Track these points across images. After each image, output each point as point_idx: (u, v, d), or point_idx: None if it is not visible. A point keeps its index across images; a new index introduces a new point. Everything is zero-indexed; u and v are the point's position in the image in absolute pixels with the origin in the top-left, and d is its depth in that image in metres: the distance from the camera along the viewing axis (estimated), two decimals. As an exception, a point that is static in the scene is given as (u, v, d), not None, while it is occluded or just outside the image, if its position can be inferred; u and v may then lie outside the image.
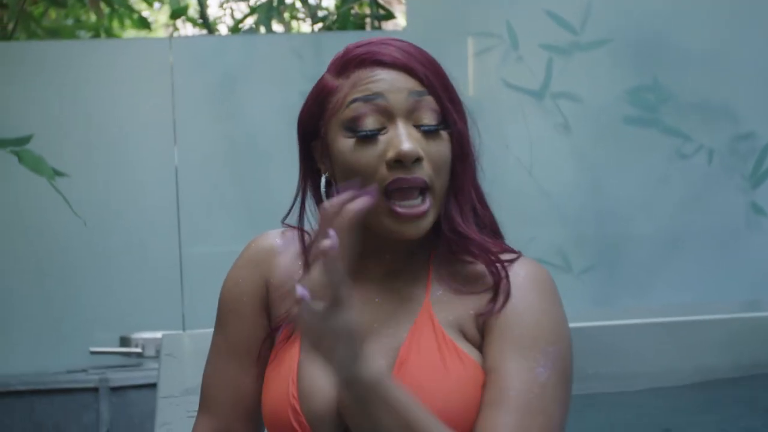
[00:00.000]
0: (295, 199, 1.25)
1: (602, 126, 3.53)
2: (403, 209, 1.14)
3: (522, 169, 3.48)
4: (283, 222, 1.27)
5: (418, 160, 1.14)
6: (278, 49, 3.48)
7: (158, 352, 3.00)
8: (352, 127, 1.16)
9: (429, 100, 1.16)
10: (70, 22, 4.56)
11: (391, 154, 1.13)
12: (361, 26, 3.90)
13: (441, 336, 1.17)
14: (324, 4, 4.16)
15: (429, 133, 1.16)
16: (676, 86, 3.53)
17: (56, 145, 3.28)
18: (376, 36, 3.71)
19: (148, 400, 3.05)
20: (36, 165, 3.02)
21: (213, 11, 4.61)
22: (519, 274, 1.19)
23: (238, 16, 4.30)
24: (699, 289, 3.53)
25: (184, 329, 3.34)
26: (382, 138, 1.15)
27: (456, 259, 1.21)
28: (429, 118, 1.16)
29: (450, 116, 1.18)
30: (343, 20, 3.84)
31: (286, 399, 1.18)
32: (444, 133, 1.17)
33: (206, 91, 3.44)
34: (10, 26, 3.81)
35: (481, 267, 1.20)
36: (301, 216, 1.25)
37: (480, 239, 1.19)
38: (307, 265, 1.25)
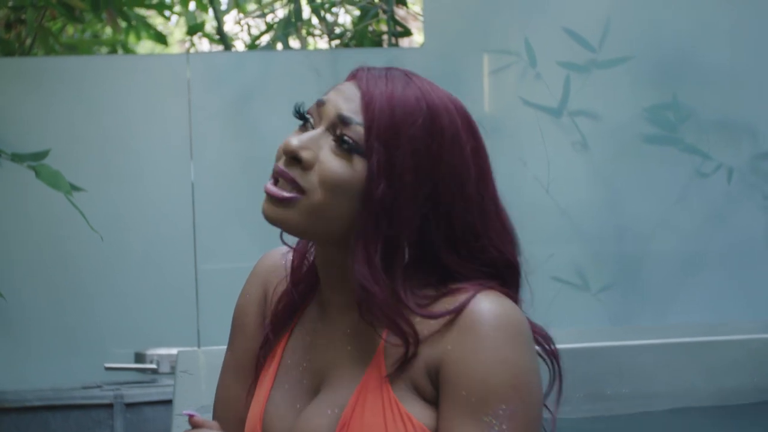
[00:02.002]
0: None
1: (621, 144, 3.51)
2: (272, 187, 1.14)
3: (539, 187, 3.46)
4: (281, 239, 1.27)
5: (297, 160, 1.12)
6: (295, 66, 3.48)
7: (173, 368, 2.99)
8: (297, 114, 1.19)
9: (356, 129, 1.11)
10: (87, 36, 4.58)
11: (281, 144, 1.15)
12: (379, 43, 3.90)
13: (387, 396, 1.10)
14: (341, 21, 4.16)
15: (340, 150, 1.11)
16: (696, 104, 3.51)
17: (73, 161, 3.29)
18: (391, 52, 3.68)
19: (163, 416, 3.04)
20: (53, 180, 3.02)
21: (229, 27, 4.63)
22: (475, 314, 1.08)
23: (255, 32, 4.31)
24: (719, 308, 3.50)
25: (199, 346, 3.33)
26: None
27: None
28: (345, 137, 1.11)
29: (369, 150, 1.10)
30: (360, 37, 3.84)
31: (253, 425, 1.20)
32: (361, 163, 1.10)
33: (223, 107, 3.45)
34: (28, 42, 3.83)
35: (440, 306, 1.11)
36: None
37: (380, 293, 1.09)
38: (294, 284, 1.25)
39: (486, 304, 1.09)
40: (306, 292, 1.24)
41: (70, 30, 4.42)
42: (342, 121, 1.12)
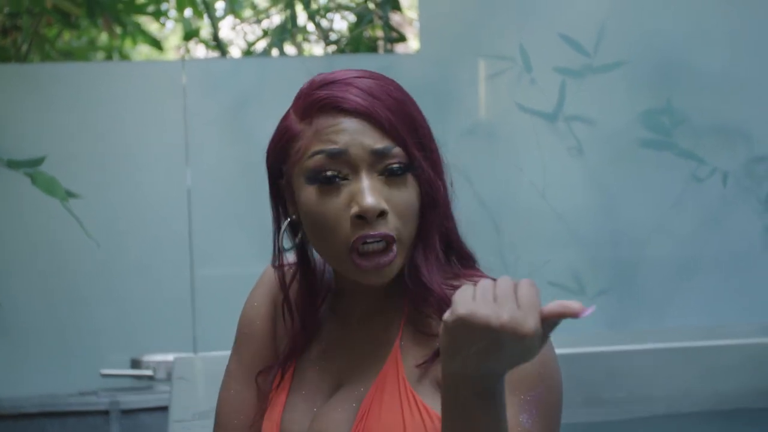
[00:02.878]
0: (275, 239, 1.25)
1: (616, 149, 3.52)
2: (365, 262, 1.11)
3: (535, 192, 3.47)
4: (273, 265, 1.27)
5: (382, 214, 1.10)
6: (291, 72, 3.48)
7: (169, 374, 2.99)
8: (314, 176, 1.13)
9: (394, 153, 1.11)
10: (83, 42, 4.58)
11: (354, 210, 1.10)
12: (374, 49, 3.91)
13: (404, 389, 1.13)
14: (336, 27, 4.17)
15: (393, 179, 1.11)
16: (691, 109, 3.52)
17: (69, 167, 3.29)
18: (387, 58, 3.68)
19: (160, 422, 3.04)
20: (49, 187, 3.02)
21: (225, 33, 4.63)
22: None
23: (251, 38, 4.31)
24: (715, 312, 3.51)
25: (195, 352, 3.33)
26: (345, 188, 1.11)
27: (425, 306, 1.17)
28: (393, 166, 1.11)
29: (416, 162, 1.12)
30: (355, 43, 3.85)
31: (270, 430, 1.20)
32: (411, 178, 1.12)
33: (219, 113, 3.45)
34: (24, 48, 3.83)
35: None
36: (279, 252, 1.25)
37: (440, 291, 1.13)
38: (286, 303, 1.25)
39: None
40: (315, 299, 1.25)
41: (66, 36, 4.43)
42: (380, 154, 1.11)
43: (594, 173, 3.52)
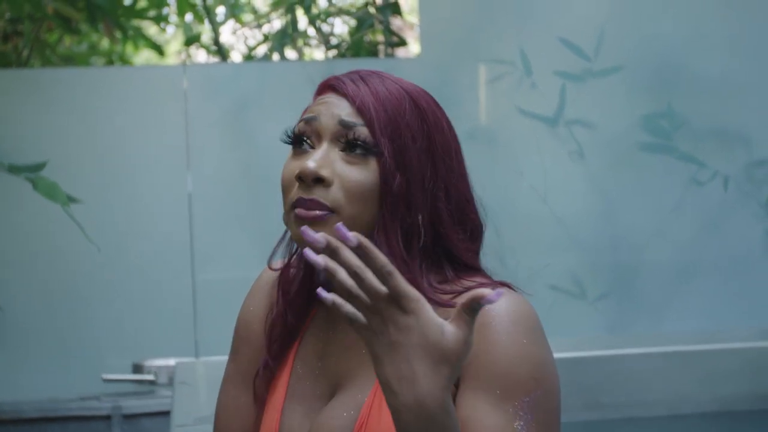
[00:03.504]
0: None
1: (616, 153, 3.52)
2: (302, 211, 1.12)
3: (536, 197, 3.47)
4: (269, 265, 1.27)
5: (319, 180, 1.12)
6: (292, 76, 3.48)
7: (171, 379, 2.99)
8: (292, 139, 1.17)
9: (360, 131, 1.14)
10: (84, 47, 4.59)
11: (296, 171, 1.13)
12: (374, 53, 3.91)
13: None
14: (337, 31, 4.18)
15: (354, 158, 1.14)
16: (691, 112, 3.52)
17: (70, 172, 3.29)
18: (388, 62, 3.69)
19: (161, 427, 3.04)
20: (50, 192, 3.02)
21: (226, 38, 4.64)
22: (492, 310, 1.10)
23: (252, 43, 4.32)
24: (715, 316, 3.51)
25: (197, 356, 3.33)
26: (308, 154, 1.15)
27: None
28: (355, 141, 1.14)
29: (379, 148, 1.13)
30: (356, 47, 3.85)
31: None
32: (373, 163, 1.14)
33: (220, 118, 3.45)
34: (25, 53, 3.83)
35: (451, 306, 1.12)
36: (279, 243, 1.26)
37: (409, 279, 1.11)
38: (282, 300, 1.25)
39: (510, 300, 1.12)
40: (312, 300, 1.25)
41: (67, 41, 4.43)
42: (345, 126, 1.14)
43: (594, 177, 3.52)
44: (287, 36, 3.87)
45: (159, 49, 4.34)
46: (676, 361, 2.60)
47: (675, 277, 3.55)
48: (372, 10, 3.87)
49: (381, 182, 1.13)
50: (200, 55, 4.76)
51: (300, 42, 4.15)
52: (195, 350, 3.37)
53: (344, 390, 1.17)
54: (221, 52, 4.36)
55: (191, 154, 3.42)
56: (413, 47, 4.12)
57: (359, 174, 1.13)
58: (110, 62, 4.56)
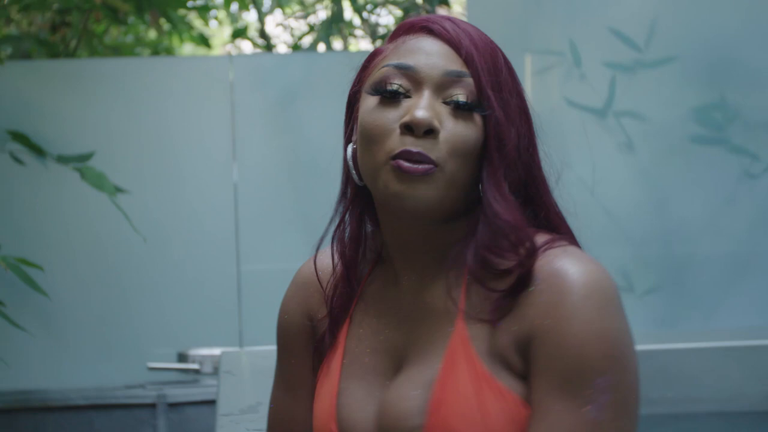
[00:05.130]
0: (338, 206, 1.18)
1: (667, 145, 3.47)
2: (406, 163, 1.03)
3: (585, 189, 3.43)
4: (317, 249, 1.22)
5: (431, 131, 1.04)
6: (337, 67, 3.45)
7: (215, 369, 3.00)
8: (377, 87, 1.08)
9: (467, 82, 1.07)
10: (129, 38, 4.62)
11: (405, 118, 1.04)
12: (421, 43, 3.89)
13: (477, 369, 1.04)
14: (383, 21, 4.16)
15: (459, 112, 1.06)
16: (744, 104, 3.45)
17: (117, 162, 3.31)
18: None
19: (205, 416, 3.05)
20: (98, 182, 3.04)
21: (271, 28, 4.64)
22: (566, 282, 1.02)
23: (297, 33, 4.32)
24: (767, 312, 3.45)
25: (241, 346, 3.34)
26: (405, 103, 1.07)
27: (492, 272, 1.07)
28: (461, 96, 1.06)
29: (487, 102, 1.06)
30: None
31: (326, 426, 1.14)
32: (477, 118, 1.07)
33: (266, 109, 3.45)
34: (73, 44, 3.86)
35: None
36: (340, 225, 1.18)
37: (519, 220, 1.06)
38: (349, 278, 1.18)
39: (574, 270, 1.03)
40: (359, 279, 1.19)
41: (114, 32, 4.46)
42: (453, 77, 1.07)
43: (644, 169, 3.47)
44: (333, 26, 3.86)
45: (206, 41, 4.35)
46: (726, 357, 2.56)
47: (726, 272, 3.49)
48: (418, 0, 3.85)
49: (491, 137, 1.07)
50: (246, 46, 4.76)
51: (346, 32, 4.14)
52: (239, 340, 3.38)
53: (410, 366, 1.10)
54: (267, 42, 4.36)
55: (237, 145, 3.43)
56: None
57: (465, 129, 1.06)
58: (156, 53, 4.58)
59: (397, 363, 1.13)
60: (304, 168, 3.42)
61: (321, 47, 3.90)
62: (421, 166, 1.03)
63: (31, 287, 2.82)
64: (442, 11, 4.06)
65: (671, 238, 3.48)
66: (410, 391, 1.08)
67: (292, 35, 4.38)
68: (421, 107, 1.04)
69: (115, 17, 3.71)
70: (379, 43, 3.95)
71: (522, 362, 1.03)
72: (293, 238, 3.32)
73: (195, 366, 3.20)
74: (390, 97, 1.08)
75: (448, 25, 1.09)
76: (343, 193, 1.18)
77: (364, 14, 3.96)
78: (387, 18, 4.18)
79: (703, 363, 2.55)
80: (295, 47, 4.15)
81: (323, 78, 3.45)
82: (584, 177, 3.43)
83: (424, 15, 1.13)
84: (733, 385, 2.53)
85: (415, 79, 1.08)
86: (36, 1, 3.53)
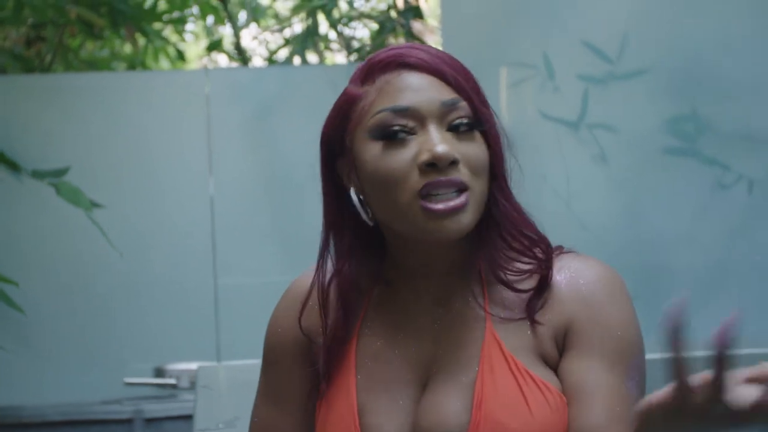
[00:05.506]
0: (324, 235, 1.18)
1: (640, 156, 3.50)
2: (439, 204, 1.06)
3: (559, 201, 3.45)
4: (318, 262, 1.20)
5: (453, 162, 1.06)
6: (313, 80, 3.49)
7: (193, 383, 2.99)
8: (380, 134, 1.09)
9: (462, 106, 1.10)
10: (105, 53, 4.61)
11: (424, 157, 1.06)
12: (396, 57, 3.90)
13: (514, 366, 1.09)
14: (359, 35, 4.18)
15: (463, 135, 1.09)
16: (715, 115, 3.49)
17: (93, 177, 3.31)
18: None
19: (183, 431, 3.04)
20: (73, 197, 3.03)
21: (247, 42, 4.64)
22: (587, 281, 1.13)
23: (273, 47, 4.33)
24: (741, 320, 3.47)
25: (218, 360, 3.33)
26: (413, 141, 1.08)
27: (515, 275, 1.13)
28: (464, 119, 1.09)
29: (484, 118, 1.11)
30: (377, 51, 3.85)
31: None
32: (478, 135, 1.10)
33: (242, 122, 3.46)
34: (48, 59, 3.85)
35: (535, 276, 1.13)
36: (324, 249, 1.18)
37: (532, 226, 1.15)
38: (305, 306, 1.19)
39: (596, 268, 1.15)
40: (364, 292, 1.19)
41: (89, 47, 4.45)
42: (449, 106, 1.09)
43: (618, 181, 3.50)
44: (309, 40, 3.87)
45: (181, 55, 4.35)
46: (701, 367, 2.57)
47: (700, 282, 3.52)
48: (393, 14, 3.87)
49: (495, 152, 1.12)
50: (222, 60, 4.77)
51: (321, 46, 4.15)
52: (217, 354, 3.37)
53: (443, 373, 1.12)
54: (243, 56, 4.37)
55: (213, 159, 3.43)
56: (435, 51, 4.11)
57: (475, 149, 1.10)
58: (132, 67, 4.58)
59: (422, 374, 1.14)
60: (281, 181, 3.42)
61: (296, 60, 3.91)
62: (457, 200, 1.07)
63: (5, 303, 2.81)
64: (417, 25, 4.08)
65: (645, 249, 3.51)
66: (450, 394, 1.10)
67: (268, 49, 4.39)
68: (438, 142, 1.07)
69: (91, 32, 3.72)
70: (354, 56, 3.97)
71: (556, 354, 1.12)
72: (270, 251, 3.32)
73: (172, 381, 3.19)
74: (396, 139, 1.09)
75: (423, 55, 1.12)
76: (339, 233, 1.17)
77: (340, 28, 3.98)
78: (362, 31, 4.20)
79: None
80: (271, 61, 4.16)
81: (299, 91, 3.46)
82: (559, 189, 3.46)
83: (392, 48, 1.14)
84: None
85: (416, 117, 1.09)
86: (10, 15, 3.53)
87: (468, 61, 3.81)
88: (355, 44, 4.08)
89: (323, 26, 3.93)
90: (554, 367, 1.11)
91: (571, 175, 3.46)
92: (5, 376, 3.29)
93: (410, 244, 1.13)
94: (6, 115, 3.34)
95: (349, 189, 1.14)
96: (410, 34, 3.84)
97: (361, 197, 1.13)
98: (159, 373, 3.23)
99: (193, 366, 3.10)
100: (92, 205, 3.07)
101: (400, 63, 1.11)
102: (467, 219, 1.08)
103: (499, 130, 1.14)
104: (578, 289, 1.13)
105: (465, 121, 1.09)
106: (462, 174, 1.07)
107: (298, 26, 4.18)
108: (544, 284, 1.13)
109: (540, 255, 1.14)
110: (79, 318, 3.34)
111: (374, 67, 1.13)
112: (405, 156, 1.08)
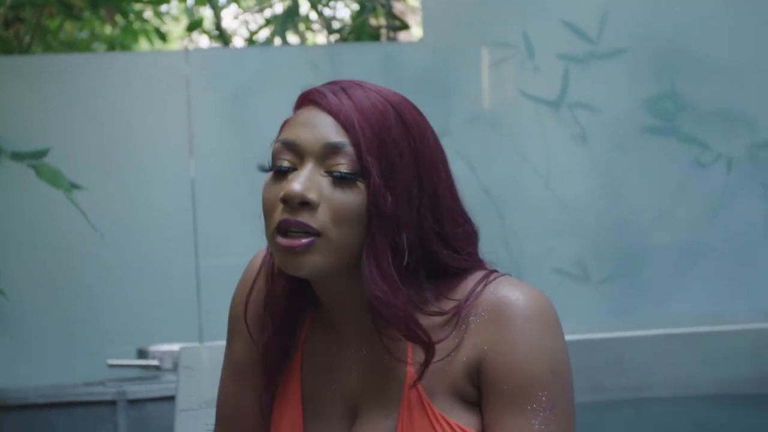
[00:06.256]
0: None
1: (619, 135, 3.51)
2: (284, 240, 1.09)
3: (539, 180, 3.47)
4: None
5: (306, 203, 1.08)
6: (294, 61, 3.48)
7: (176, 364, 2.99)
8: (271, 163, 1.13)
9: (347, 151, 1.09)
10: (84, 35, 4.58)
11: (281, 193, 1.09)
12: (377, 37, 3.90)
13: (432, 414, 1.11)
14: (339, 15, 4.17)
15: (338, 181, 1.09)
16: (694, 95, 3.51)
17: (73, 159, 3.29)
18: (390, 46, 3.67)
19: (166, 412, 3.05)
20: (53, 178, 3.02)
21: (228, 22, 4.62)
22: (508, 306, 1.10)
23: (253, 27, 4.31)
24: (718, 299, 3.51)
25: (201, 341, 3.34)
26: (290, 177, 1.11)
27: (429, 312, 1.13)
28: (344, 168, 1.09)
29: (367, 169, 1.09)
30: (358, 32, 3.84)
31: None
32: (361, 186, 1.09)
33: (222, 103, 3.45)
34: (27, 40, 3.83)
35: (446, 303, 1.13)
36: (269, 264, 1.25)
37: (403, 310, 1.10)
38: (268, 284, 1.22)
39: (514, 296, 1.11)
40: (302, 306, 1.23)
41: (68, 28, 4.42)
42: (332, 148, 1.10)
43: (598, 160, 3.52)
44: (289, 20, 3.86)
45: (161, 36, 4.33)
46: (679, 344, 2.60)
47: (678, 260, 3.55)
48: (374, -7, 3.86)
49: (369, 204, 1.09)
50: (202, 41, 4.75)
51: (302, 26, 4.14)
52: (199, 335, 3.38)
53: (367, 412, 1.16)
54: (223, 37, 4.35)
55: (194, 140, 3.42)
56: (415, 31, 4.11)
57: (346, 197, 1.09)
58: (112, 49, 4.55)
59: (351, 406, 1.18)
60: (262, 162, 3.42)
61: (277, 41, 3.90)
62: (299, 241, 1.08)
63: (-13, 286, 2.80)
64: (398, 5, 4.08)
65: (624, 228, 3.53)
66: None
67: (248, 29, 4.37)
68: (297, 181, 1.09)
69: (70, 12, 3.69)
70: (335, 37, 3.96)
71: (475, 390, 1.12)
72: (251, 232, 3.30)
73: (155, 362, 3.19)
74: (280, 172, 1.12)
75: (332, 93, 1.12)
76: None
77: (320, 8, 3.97)
78: (343, 12, 4.19)
79: (656, 350, 2.59)
80: (251, 41, 4.14)
81: (279, 72, 3.45)
82: (539, 168, 3.47)
83: (325, 84, 1.15)
84: (684, 370, 2.57)
85: (299, 153, 1.11)
86: (-12, -3, 3.50)
87: (448, 41, 3.82)
88: (336, 25, 4.07)
89: (304, 6, 3.92)
90: (475, 402, 1.12)
91: (551, 155, 3.48)
92: (-13, 358, 3.29)
93: None
94: (-16, 97, 3.32)
95: None
96: (391, 15, 3.83)
97: None
98: (142, 354, 3.23)
99: (175, 347, 3.11)
100: (72, 187, 3.06)
101: (310, 98, 1.14)
102: (310, 262, 1.09)
103: (386, 183, 1.10)
104: (494, 321, 1.11)
105: (341, 170, 1.09)
106: (316, 218, 1.08)
107: (278, 6, 4.17)
108: (428, 354, 1.10)
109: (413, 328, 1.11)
110: (61, 300, 3.34)
111: (300, 99, 1.16)
112: (278, 189, 1.11)
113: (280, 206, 1.10)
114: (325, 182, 1.10)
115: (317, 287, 1.17)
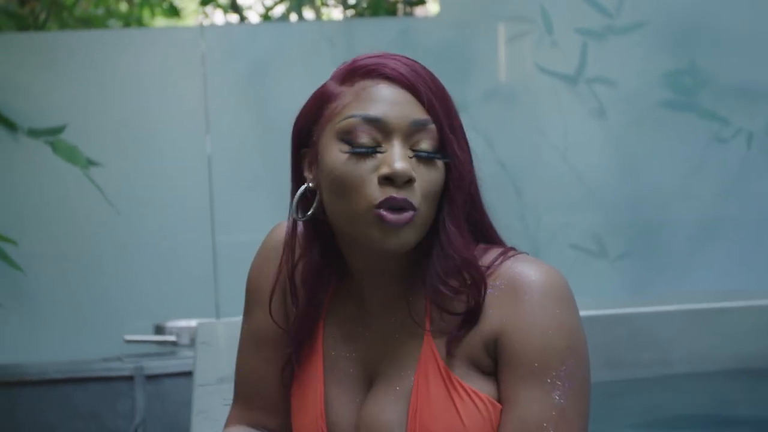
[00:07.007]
0: (290, 208, 1.22)
1: (638, 110, 3.49)
2: (391, 215, 1.09)
3: (557, 155, 3.45)
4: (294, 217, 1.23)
5: (410, 181, 1.10)
6: (310, 36, 3.47)
7: (192, 340, 3.01)
8: (347, 139, 1.12)
9: (431, 129, 1.12)
10: (100, 11, 4.58)
11: (384, 170, 1.09)
12: (393, 12, 3.88)
13: (447, 377, 1.14)
14: (355, -10, 4.14)
15: (424, 160, 1.12)
16: (714, 69, 3.48)
17: (89, 135, 3.30)
18: (406, 21, 3.66)
19: (183, 388, 3.06)
20: (70, 155, 3.03)
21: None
22: (523, 283, 1.13)
23: (269, 3, 4.29)
24: (736, 275, 3.49)
25: (217, 317, 3.35)
26: (377, 152, 1.11)
27: (450, 295, 1.15)
28: (427, 145, 1.12)
29: (450, 147, 1.13)
30: (374, 6, 3.82)
31: (316, 424, 1.20)
32: (440, 163, 1.13)
33: (238, 80, 3.44)
34: (42, 16, 3.83)
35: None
36: (294, 223, 1.23)
37: (473, 258, 1.14)
38: (287, 262, 1.22)
39: (531, 272, 1.13)
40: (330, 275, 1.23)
41: (84, 4, 4.42)
42: (419, 125, 1.12)
43: (616, 135, 3.50)
44: (305, -4, 3.84)
45: (176, 12, 4.32)
46: (696, 320, 2.59)
47: (696, 236, 3.53)
48: (390, -32, 3.83)
49: (454, 180, 1.13)
50: (217, 16, 4.74)
51: (318, 2, 4.12)
52: (216, 311, 3.39)
53: (384, 378, 1.18)
54: (238, 12, 4.34)
55: (210, 116, 3.42)
56: (432, 6, 4.09)
57: (432, 174, 1.12)
58: (127, 25, 4.55)
59: (369, 374, 1.20)
60: (277, 138, 3.40)
61: (293, 17, 3.88)
62: (404, 215, 1.10)
63: (4, 262, 2.81)
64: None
65: (642, 204, 3.51)
66: (388, 403, 1.16)
67: (264, 5, 4.35)
68: (399, 159, 1.10)
69: (85, -11, 3.68)
70: (351, 12, 3.94)
71: (491, 361, 1.14)
72: (268, 208, 3.32)
73: (172, 338, 3.21)
74: (361, 147, 1.12)
75: (404, 69, 1.13)
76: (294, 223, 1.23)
77: (336, -17, 3.95)
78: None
79: (673, 325, 2.59)
80: (266, 17, 4.13)
81: (295, 48, 3.44)
82: (556, 143, 3.46)
83: (376, 56, 1.16)
84: (702, 346, 2.57)
85: (384, 130, 1.12)
86: (3, -27, 3.50)
87: (465, 15, 3.79)
88: (351, 1, 4.04)
89: (320, -19, 3.91)
90: (491, 372, 1.14)
91: (568, 130, 3.46)
92: (5, 334, 3.31)
93: (355, 247, 1.17)
94: (0, 74, 3.32)
95: (307, 180, 1.19)
96: (407, -10, 3.81)
97: (313, 189, 1.18)
98: (159, 330, 3.25)
99: (192, 323, 3.12)
100: (89, 163, 3.07)
101: (380, 73, 1.13)
102: (410, 236, 1.11)
103: (462, 159, 1.14)
104: (511, 296, 1.13)
105: (428, 149, 1.12)
106: (414, 195, 1.11)
107: (294, -18, 4.14)
108: (475, 309, 1.13)
109: (469, 280, 1.14)
110: (78, 275, 3.35)
111: (356, 70, 1.15)
112: (366, 166, 1.11)
113: (374, 182, 1.10)
114: (413, 160, 1.12)
115: (358, 258, 1.18)
